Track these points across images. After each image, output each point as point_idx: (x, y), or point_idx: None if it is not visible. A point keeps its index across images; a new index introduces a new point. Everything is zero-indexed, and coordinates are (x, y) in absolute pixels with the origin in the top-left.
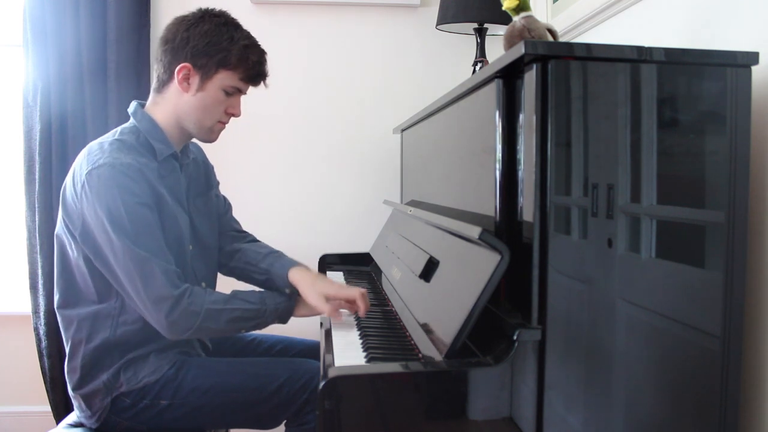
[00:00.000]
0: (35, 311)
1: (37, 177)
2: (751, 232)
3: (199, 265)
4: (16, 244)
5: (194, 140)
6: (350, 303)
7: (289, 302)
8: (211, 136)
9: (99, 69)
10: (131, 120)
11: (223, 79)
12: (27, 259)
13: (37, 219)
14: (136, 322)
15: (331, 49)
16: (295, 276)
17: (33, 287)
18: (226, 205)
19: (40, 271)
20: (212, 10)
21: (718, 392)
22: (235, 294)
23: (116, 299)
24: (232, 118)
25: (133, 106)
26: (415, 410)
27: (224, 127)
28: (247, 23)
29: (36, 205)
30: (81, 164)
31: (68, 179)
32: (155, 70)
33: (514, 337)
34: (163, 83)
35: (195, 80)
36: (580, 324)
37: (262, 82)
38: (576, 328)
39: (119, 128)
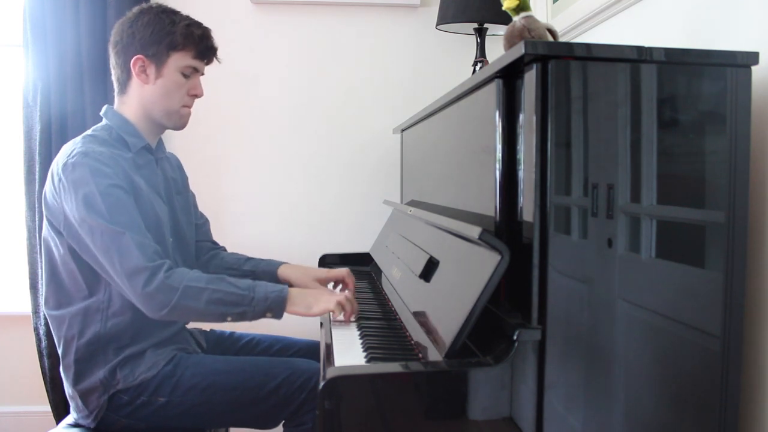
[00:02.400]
0: (35, 311)
1: (37, 177)
2: (751, 232)
3: (178, 258)
4: (16, 244)
5: (170, 152)
6: (341, 282)
7: (281, 293)
8: (180, 120)
9: (99, 69)
10: (103, 120)
11: (177, 60)
12: (27, 259)
13: (37, 219)
14: (125, 313)
15: (331, 49)
16: (286, 270)
17: (33, 287)
18: (203, 217)
19: (40, 271)
20: (149, 4)
21: (718, 392)
22: (223, 277)
23: (104, 292)
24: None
25: (104, 108)
26: (415, 410)
27: (190, 111)
28: (247, 23)
29: (36, 205)
30: (57, 161)
31: (47, 181)
32: (113, 76)
33: (514, 337)
34: (124, 83)
35: (151, 69)
36: (580, 324)
37: (214, 58)
38: (576, 328)
39: (91, 128)
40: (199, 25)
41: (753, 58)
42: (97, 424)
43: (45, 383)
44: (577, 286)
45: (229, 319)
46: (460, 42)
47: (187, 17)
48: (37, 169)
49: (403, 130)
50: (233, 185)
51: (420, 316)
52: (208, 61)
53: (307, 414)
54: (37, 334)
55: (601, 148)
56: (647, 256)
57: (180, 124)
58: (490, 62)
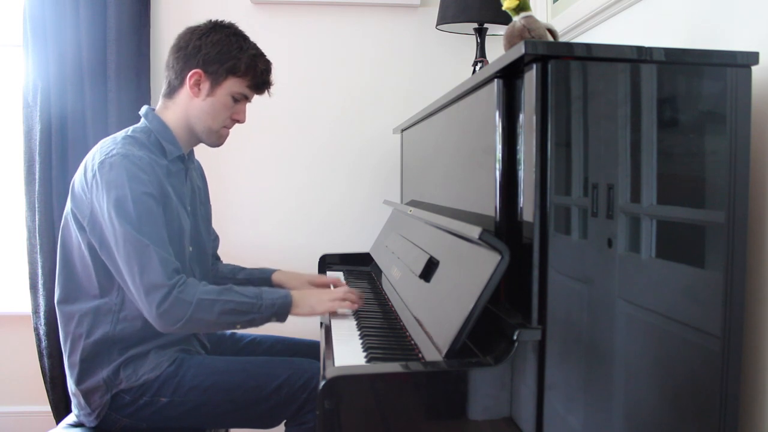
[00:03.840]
0: (35, 311)
1: (37, 177)
2: (751, 232)
3: (196, 267)
4: (16, 244)
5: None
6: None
7: (286, 299)
8: (218, 140)
9: (99, 69)
10: (142, 121)
11: (232, 85)
12: (27, 259)
13: (37, 219)
14: (137, 319)
15: (331, 49)
16: (280, 276)
17: (33, 287)
18: (214, 233)
19: (40, 271)
20: (222, 21)
21: (718, 392)
22: (231, 287)
23: (117, 294)
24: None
25: (144, 108)
26: (415, 410)
27: (229, 133)
28: (247, 23)
29: (36, 205)
30: (94, 156)
31: (79, 171)
32: (165, 77)
33: (514, 337)
34: (174, 89)
35: (205, 86)
36: (580, 324)
37: (266, 91)
38: (576, 328)
39: (131, 127)
40: (264, 57)
41: (753, 58)
42: (98, 423)
43: (45, 383)
44: (577, 286)
45: (238, 327)
46: (460, 42)
47: (255, 47)
48: (37, 169)
49: (403, 130)
50: (233, 185)
51: (420, 316)
52: (260, 93)
53: (308, 414)
54: (37, 334)
55: (601, 148)
56: (647, 256)
57: (217, 143)
58: (490, 62)
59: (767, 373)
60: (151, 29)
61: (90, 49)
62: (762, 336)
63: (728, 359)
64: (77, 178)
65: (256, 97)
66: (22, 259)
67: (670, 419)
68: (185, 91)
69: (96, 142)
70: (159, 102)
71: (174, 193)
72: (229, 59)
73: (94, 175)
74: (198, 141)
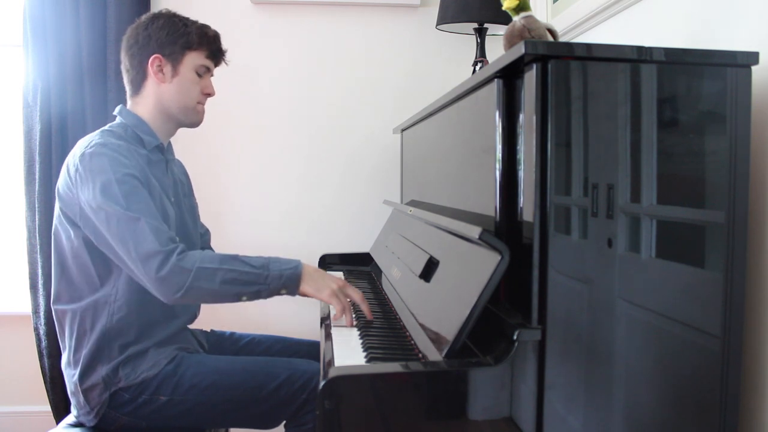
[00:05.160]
0: (35, 311)
1: (37, 177)
2: (751, 232)
3: None
4: (16, 244)
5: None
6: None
7: (295, 270)
8: (196, 116)
9: (99, 69)
10: (117, 119)
11: (191, 59)
12: (27, 259)
13: (37, 219)
14: (130, 306)
15: (331, 49)
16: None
17: (33, 287)
18: (204, 227)
19: (40, 271)
20: (159, 10)
21: (718, 392)
22: (236, 256)
23: (113, 285)
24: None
25: (118, 108)
26: (415, 410)
27: (204, 109)
28: (247, 23)
29: (36, 205)
30: (74, 154)
31: (61, 174)
32: (125, 79)
33: (514, 337)
34: (138, 83)
35: (168, 68)
36: (580, 324)
37: (222, 60)
38: (576, 328)
39: (107, 125)
40: (210, 28)
41: (753, 58)
42: (98, 421)
43: (45, 383)
44: (577, 286)
45: (244, 298)
46: (460, 42)
47: (198, 21)
48: (37, 169)
49: (403, 130)
50: (233, 185)
51: (420, 316)
52: (218, 63)
53: (307, 414)
54: (37, 334)
55: (601, 148)
56: (647, 256)
57: (196, 120)
58: (490, 62)
59: (767, 373)
60: None
61: (90, 49)
62: (762, 336)
63: (728, 359)
64: (61, 182)
65: (256, 98)
66: (22, 259)
67: (670, 419)
68: (150, 80)
69: None
70: (128, 102)
71: (157, 182)
72: (181, 36)
73: (77, 170)
74: (176, 126)
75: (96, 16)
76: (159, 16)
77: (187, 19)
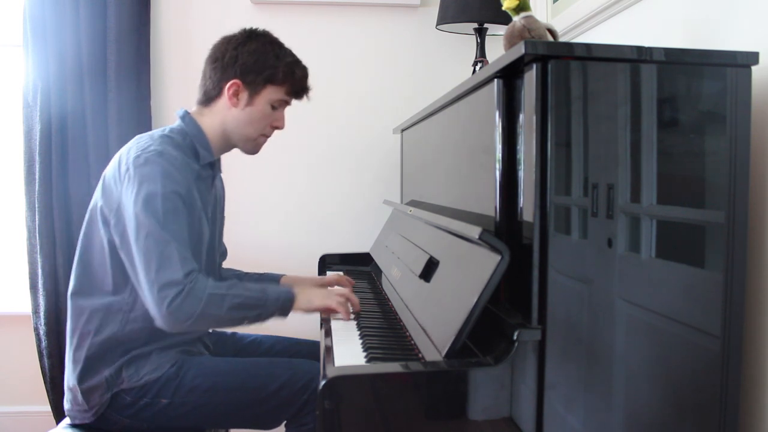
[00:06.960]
0: (35, 311)
1: (37, 177)
2: (751, 232)
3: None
4: (16, 244)
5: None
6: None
7: (289, 293)
8: (255, 148)
9: (99, 69)
10: (178, 122)
11: (271, 94)
12: (27, 259)
13: (37, 219)
14: (146, 321)
15: (331, 49)
16: (286, 280)
17: (33, 287)
18: (223, 245)
19: (40, 271)
20: (257, 29)
21: (718, 392)
22: (236, 282)
23: (130, 294)
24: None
25: (181, 110)
26: (415, 410)
27: (265, 142)
28: (247, 23)
29: (36, 205)
30: (129, 149)
31: (112, 164)
32: (201, 86)
33: (514, 337)
34: (211, 98)
35: (244, 96)
36: (580, 324)
37: (305, 96)
38: (576, 328)
39: (167, 127)
40: (300, 64)
41: (753, 58)
42: (97, 422)
43: (45, 383)
44: (577, 286)
45: (245, 322)
46: (460, 42)
47: (291, 54)
48: (37, 169)
49: (403, 130)
50: (233, 186)
51: (420, 316)
52: (299, 99)
53: (308, 415)
54: (37, 334)
55: (601, 148)
56: (647, 256)
57: (254, 151)
58: (490, 62)
59: (767, 373)
60: (151, 29)
61: (90, 49)
62: (762, 336)
63: (728, 359)
64: (109, 171)
65: None
66: (22, 259)
67: (670, 419)
68: (223, 100)
69: (96, 142)
70: (195, 107)
71: (199, 199)
72: (267, 68)
73: (128, 169)
74: (230, 148)
75: (96, 16)
76: (254, 38)
77: (282, 49)
